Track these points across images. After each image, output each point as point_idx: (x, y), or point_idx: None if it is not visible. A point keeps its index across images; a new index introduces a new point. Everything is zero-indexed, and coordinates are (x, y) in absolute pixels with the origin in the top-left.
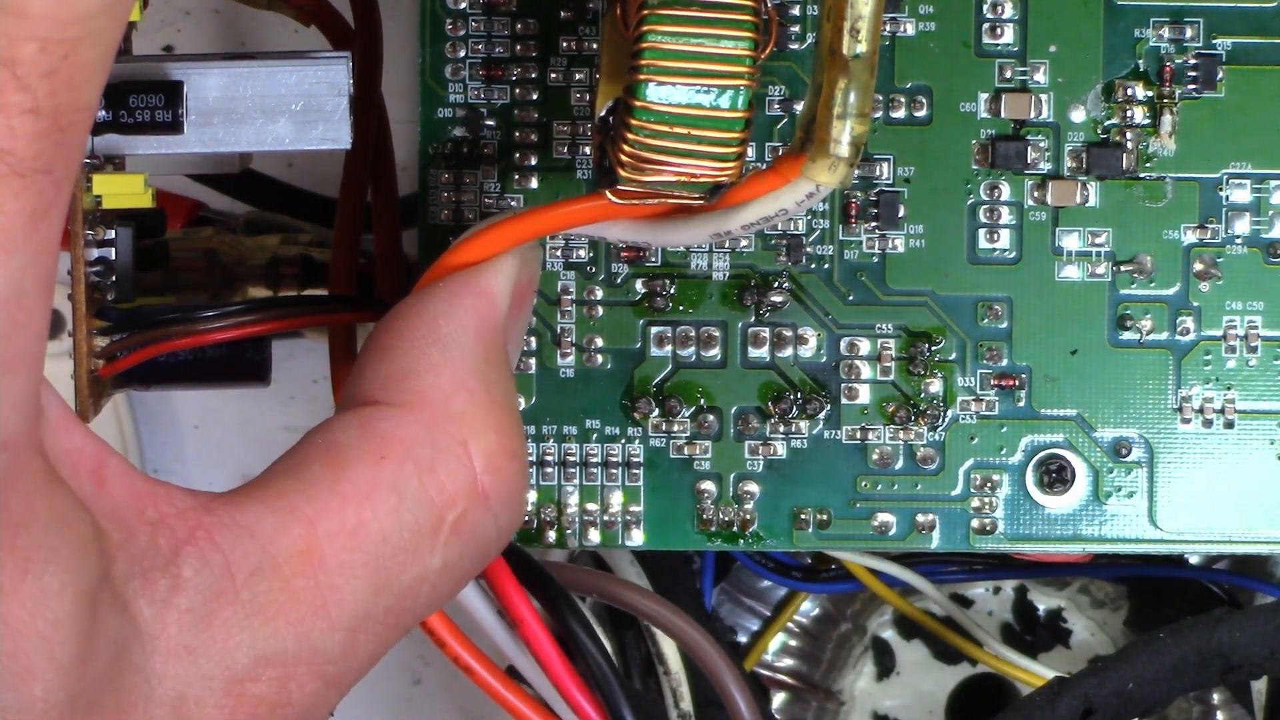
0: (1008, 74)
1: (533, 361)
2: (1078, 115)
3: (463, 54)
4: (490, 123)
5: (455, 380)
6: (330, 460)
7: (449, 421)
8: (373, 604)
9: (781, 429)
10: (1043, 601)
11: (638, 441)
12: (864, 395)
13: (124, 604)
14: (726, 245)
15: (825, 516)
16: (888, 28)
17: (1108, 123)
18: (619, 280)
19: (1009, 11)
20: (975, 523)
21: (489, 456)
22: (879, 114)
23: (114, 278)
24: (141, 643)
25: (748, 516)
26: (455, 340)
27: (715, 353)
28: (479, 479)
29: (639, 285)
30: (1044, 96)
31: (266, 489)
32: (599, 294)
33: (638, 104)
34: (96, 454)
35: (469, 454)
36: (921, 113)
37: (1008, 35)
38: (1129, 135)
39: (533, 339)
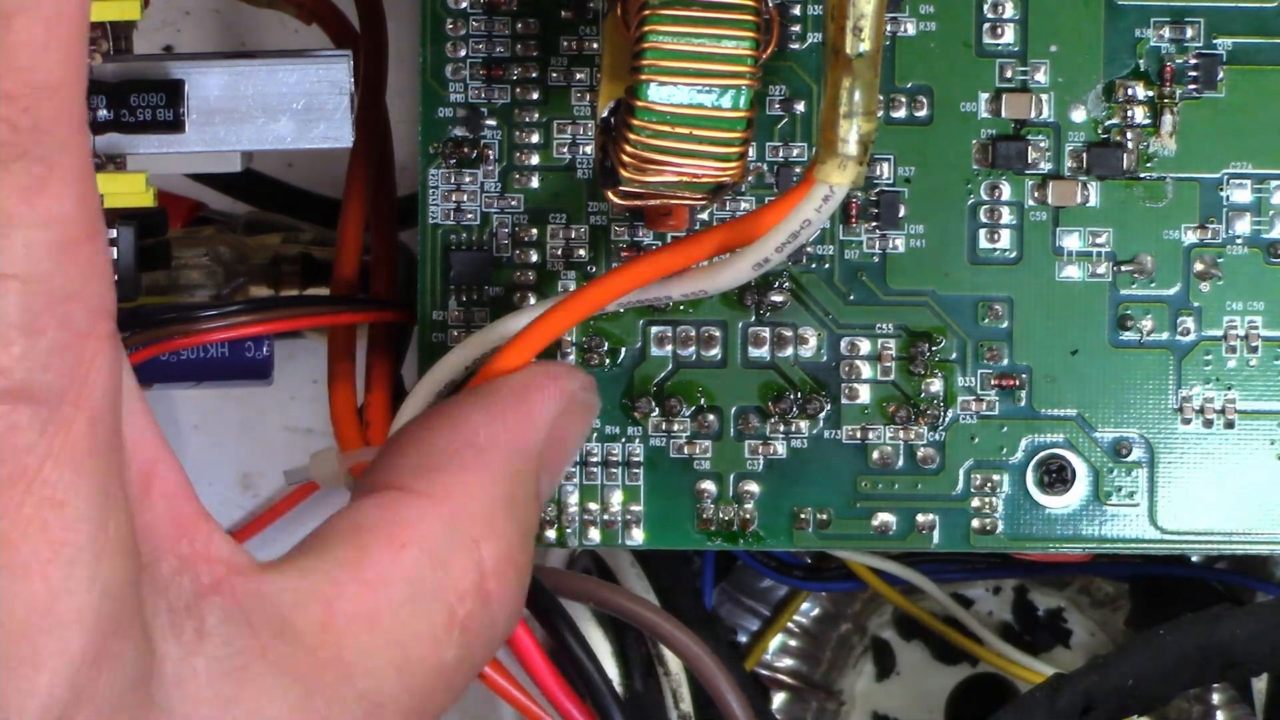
0: (1008, 74)
1: None
2: (1078, 115)
3: (463, 54)
4: (490, 122)
5: (481, 484)
6: (353, 543)
7: (468, 520)
8: (396, 683)
9: (782, 429)
10: (1043, 601)
11: (638, 441)
12: (864, 395)
13: (147, 631)
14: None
15: (825, 516)
16: (888, 28)
17: (1108, 123)
18: None
19: (1009, 11)
20: (975, 523)
21: (498, 561)
22: (879, 114)
23: (115, 277)
24: (164, 681)
25: (748, 516)
26: (489, 449)
27: (715, 352)
28: (487, 579)
29: None
30: (1044, 96)
31: (291, 565)
32: None
33: (639, 104)
34: (153, 457)
35: (480, 554)
36: (922, 113)
37: (1008, 35)
38: (1129, 135)
39: None
